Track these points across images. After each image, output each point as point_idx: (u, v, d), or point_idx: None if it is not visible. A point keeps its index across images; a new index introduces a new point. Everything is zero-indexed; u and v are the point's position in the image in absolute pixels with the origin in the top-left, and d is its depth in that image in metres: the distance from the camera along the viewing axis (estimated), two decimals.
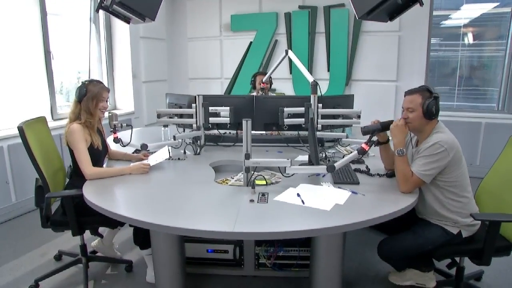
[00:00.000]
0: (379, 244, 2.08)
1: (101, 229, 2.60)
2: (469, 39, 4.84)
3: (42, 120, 2.51)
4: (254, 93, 4.03)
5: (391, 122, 2.04)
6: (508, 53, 4.52)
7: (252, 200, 1.83)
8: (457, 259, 2.18)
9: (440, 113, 2.01)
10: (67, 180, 2.50)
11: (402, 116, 2.02)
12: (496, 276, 2.48)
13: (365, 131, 2.08)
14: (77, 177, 2.31)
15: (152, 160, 2.43)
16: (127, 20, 2.88)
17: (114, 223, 2.25)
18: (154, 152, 2.61)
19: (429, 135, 1.98)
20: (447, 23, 4.95)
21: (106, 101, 2.41)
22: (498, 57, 4.71)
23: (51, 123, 3.75)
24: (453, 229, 1.97)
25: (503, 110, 4.61)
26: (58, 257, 2.77)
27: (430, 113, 1.93)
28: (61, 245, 2.94)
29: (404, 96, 2.07)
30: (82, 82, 2.37)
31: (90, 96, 2.31)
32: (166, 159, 2.61)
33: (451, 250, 2.01)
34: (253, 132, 3.02)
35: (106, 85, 4.91)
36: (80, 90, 2.31)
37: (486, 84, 4.88)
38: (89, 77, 4.73)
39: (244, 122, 2.02)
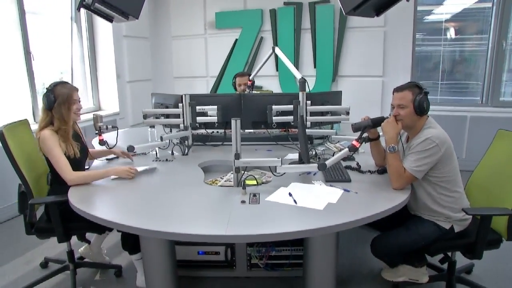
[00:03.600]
0: (372, 242, 2.07)
1: (88, 235, 2.54)
2: (451, 33, 4.90)
3: (24, 123, 2.42)
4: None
5: (382, 118, 2.03)
6: (491, 47, 4.58)
7: (243, 201, 1.79)
8: (449, 253, 2.19)
9: None
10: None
11: (392, 113, 2.01)
12: (485, 268, 2.51)
13: (355, 127, 2.06)
14: (58, 184, 2.19)
15: (140, 168, 2.32)
16: (109, 19, 2.80)
17: (102, 228, 2.19)
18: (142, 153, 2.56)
19: (420, 131, 1.97)
20: (430, 18, 5.00)
21: (79, 101, 2.24)
22: (479, 51, 4.78)
23: (34, 126, 3.63)
24: (446, 224, 1.97)
25: (487, 104, 4.68)
26: (44, 265, 2.68)
27: (422, 109, 1.93)
28: (47, 251, 2.85)
29: (393, 93, 2.06)
30: (46, 88, 2.15)
31: (61, 101, 2.13)
32: (153, 160, 2.57)
33: (444, 245, 2.02)
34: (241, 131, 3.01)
35: (90, 86, 4.88)
36: (48, 97, 2.11)
37: (468, 78, 4.95)
38: (71, 78, 4.62)
39: (233, 122, 1.98)
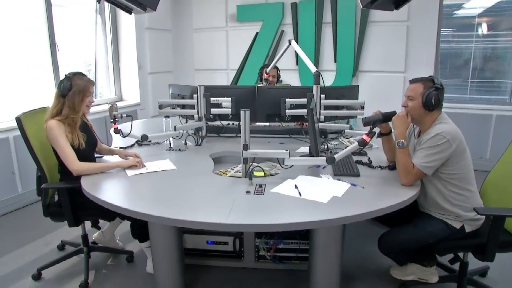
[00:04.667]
0: (379, 238, 2.04)
1: (102, 222, 2.62)
2: (483, 29, 4.67)
3: (44, 110, 2.50)
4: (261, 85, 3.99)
5: (393, 113, 1.99)
6: None
7: (248, 192, 1.80)
8: (461, 254, 2.13)
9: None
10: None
11: (402, 103, 1.98)
12: (501, 272, 2.42)
13: (366, 122, 2.03)
14: (66, 175, 2.20)
15: (152, 167, 2.25)
16: (128, 10, 2.86)
17: (111, 216, 2.26)
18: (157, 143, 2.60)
19: (430, 126, 1.92)
20: (460, 13, 4.79)
21: (92, 95, 2.27)
22: None
23: None
24: (456, 223, 1.91)
25: None
26: (61, 247, 2.80)
27: (429, 104, 1.87)
28: (65, 235, 2.96)
29: (409, 84, 2.01)
30: (65, 75, 2.20)
31: (76, 91, 2.14)
32: (167, 150, 2.61)
33: (453, 245, 1.96)
34: (257, 123, 3.02)
35: (112, 76, 5.00)
36: (64, 84, 2.13)
37: (500, 76, 4.72)
38: (95, 69, 4.75)
39: (242, 113, 1.99)
